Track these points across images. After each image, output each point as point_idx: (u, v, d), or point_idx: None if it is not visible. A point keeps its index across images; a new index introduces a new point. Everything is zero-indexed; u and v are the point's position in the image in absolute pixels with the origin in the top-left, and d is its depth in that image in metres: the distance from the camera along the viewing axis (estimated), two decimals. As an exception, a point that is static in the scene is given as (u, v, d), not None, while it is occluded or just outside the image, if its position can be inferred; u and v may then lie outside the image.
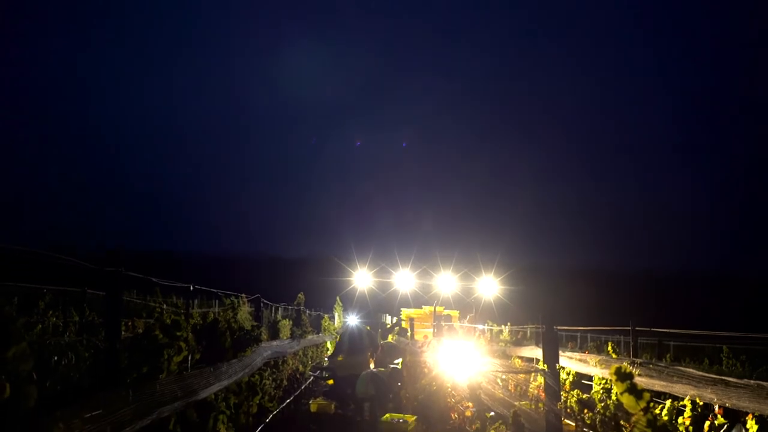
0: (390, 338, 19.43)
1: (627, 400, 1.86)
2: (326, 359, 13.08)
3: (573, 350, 17.28)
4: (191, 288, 7.90)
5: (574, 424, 9.99)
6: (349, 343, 11.69)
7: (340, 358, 11.62)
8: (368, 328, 12.67)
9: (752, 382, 4.59)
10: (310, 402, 11.91)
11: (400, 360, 11.63)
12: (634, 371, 1.70)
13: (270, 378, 9.26)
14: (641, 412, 1.82)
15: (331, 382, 11.68)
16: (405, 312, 28.44)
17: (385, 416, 9.59)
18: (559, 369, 6.95)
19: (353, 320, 12.70)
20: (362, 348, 11.64)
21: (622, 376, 1.86)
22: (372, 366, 11.74)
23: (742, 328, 10.09)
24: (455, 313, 28.48)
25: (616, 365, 1.90)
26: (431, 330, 23.25)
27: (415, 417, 9.29)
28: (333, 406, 11.04)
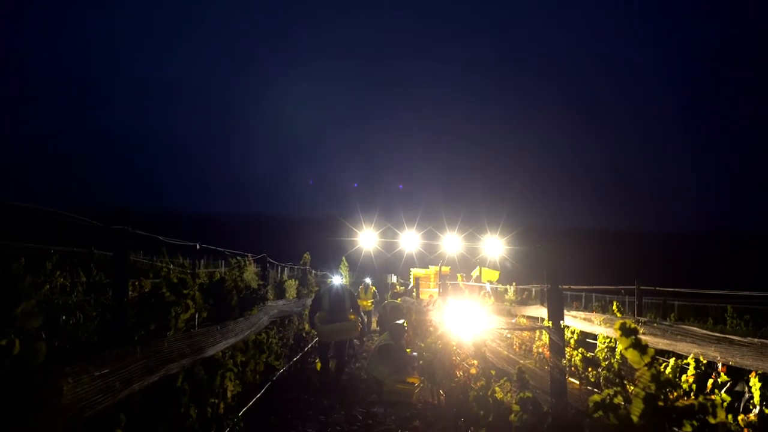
0: (398, 300, 19.55)
1: (631, 356, 1.86)
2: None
3: (578, 310, 17.36)
4: (198, 247, 7.94)
5: (578, 382, 10.08)
6: (330, 303, 11.10)
7: (317, 318, 11.26)
8: (348, 286, 12.07)
9: (756, 340, 4.60)
10: (316, 360, 12.03)
11: (403, 321, 11.61)
12: (638, 328, 1.71)
13: (276, 337, 9.34)
14: (645, 368, 1.82)
15: None
16: (414, 272, 28.56)
17: (389, 377, 9.67)
18: (564, 328, 6.99)
19: (337, 280, 11.96)
20: (343, 309, 11.13)
21: (627, 331, 1.87)
22: (358, 327, 11.41)
23: (747, 288, 10.10)
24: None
25: (621, 321, 1.90)
26: (437, 290, 23.36)
27: (420, 379, 9.37)
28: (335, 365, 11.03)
